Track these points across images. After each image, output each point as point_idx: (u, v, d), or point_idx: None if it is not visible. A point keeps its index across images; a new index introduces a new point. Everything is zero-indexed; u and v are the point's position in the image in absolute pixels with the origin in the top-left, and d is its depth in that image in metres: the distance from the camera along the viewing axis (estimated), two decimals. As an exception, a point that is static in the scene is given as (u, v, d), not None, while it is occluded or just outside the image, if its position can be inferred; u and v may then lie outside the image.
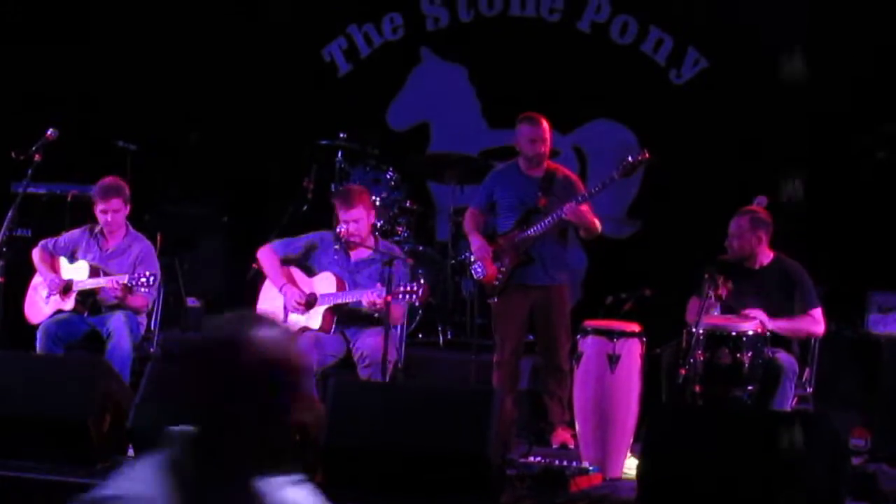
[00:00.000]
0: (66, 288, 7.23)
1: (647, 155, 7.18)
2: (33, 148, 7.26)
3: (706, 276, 6.69)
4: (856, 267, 8.16)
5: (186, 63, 9.89)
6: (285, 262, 7.19)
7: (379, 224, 8.14)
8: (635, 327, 6.69)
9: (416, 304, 6.97)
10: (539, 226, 7.24)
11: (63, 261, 7.38)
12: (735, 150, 8.78)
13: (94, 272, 7.23)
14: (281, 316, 7.09)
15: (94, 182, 7.50)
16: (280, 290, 7.09)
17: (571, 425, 7.00)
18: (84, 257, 7.35)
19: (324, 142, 8.97)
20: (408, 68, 9.76)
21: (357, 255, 7.14)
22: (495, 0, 9.49)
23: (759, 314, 6.67)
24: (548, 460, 6.33)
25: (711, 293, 6.60)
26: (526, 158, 7.38)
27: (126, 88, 9.83)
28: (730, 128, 8.80)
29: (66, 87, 9.79)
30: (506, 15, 9.49)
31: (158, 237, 8.37)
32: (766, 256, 6.94)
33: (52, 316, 7.23)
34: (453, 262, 8.37)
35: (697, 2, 9.00)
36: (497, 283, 7.32)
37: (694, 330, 6.44)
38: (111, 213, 7.32)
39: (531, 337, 7.60)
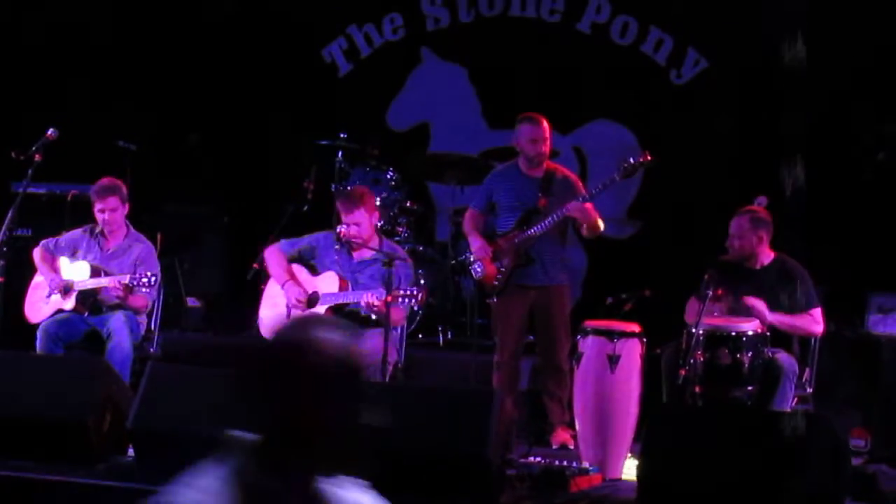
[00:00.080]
0: (67, 288, 7.23)
1: (648, 157, 7.17)
2: (33, 148, 7.26)
3: (706, 276, 6.69)
4: (856, 267, 8.17)
5: (186, 63, 9.90)
6: (291, 261, 7.20)
7: (379, 224, 8.14)
8: (635, 328, 6.69)
9: (415, 308, 6.97)
10: (539, 226, 7.24)
11: (64, 261, 7.38)
12: (735, 151, 8.78)
13: (94, 272, 7.23)
14: (284, 313, 7.11)
15: (94, 182, 7.50)
16: (282, 287, 7.11)
17: (571, 426, 7.00)
18: (84, 257, 7.35)
19: (324, 142, 8.97)
20: (408, 68, 9.76)
21: (360, 255, 7.14)
22: (495, 0, 9.50)
23: (759, 304, 6.67)
24: (548, 461, 6.33)
25: (711, 293, 6.60)
26: (526, 158, 7.38)
27: (126, 88, 9.84)
28: (730, 128, 8.80)
29: (67, 88, 9.81)
30: (506, 15, 9.49)
31: (158, 237, 8.38)
32: (767, 256, 6.94)
33: (52, 316, 7.23)
34: (453, 262, 8.37)
35: (697, 2, 9.00)
36: (497, 283, 7.32)
37: (694, 330, 6.44)
38: (108, 211, 7.32)
39: (531, 337, 7.60)
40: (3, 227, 7.18)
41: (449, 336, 8.67)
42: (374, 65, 9.81)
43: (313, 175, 9.01)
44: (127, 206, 7.41)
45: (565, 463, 6.28)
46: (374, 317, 6.88)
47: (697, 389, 6.46)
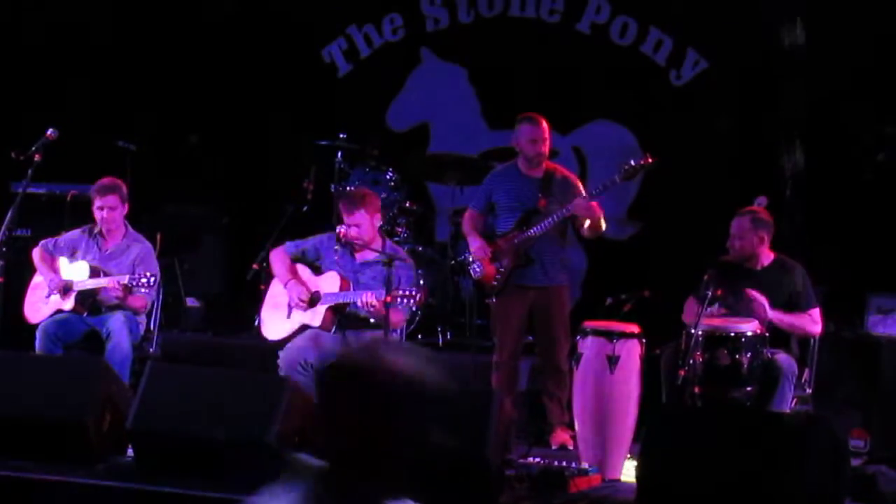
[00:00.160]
0: (66, 288, 7.23)
1: (649, 159, 7.14)
2: (33, 148, 7.26)
3: (706, 276, 6.69)
4: (856, 268, 8.17)
5: (186, 63, 9.90)
6: (294, 261, 7.22)
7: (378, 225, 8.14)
8: (635, 328, 6.69)
9: (413, 308, 6.97)
10: (539, 226, 7.23)
11: (63, 261, 7.38)
12: (735, 151, 8.79)
13: (94, 272, 7.24)
14: (285, 312, 7.12)
15: (94, 182, 7.51)
16: (285, 286, 7.12)
17: (571, 426, 7.00)
18: (83, 258, 7.35)
19: (324, 142, 8.97)
20: (408, 69, 9.76)
21: (362, 256, 7.15)
22: (495, 1, 9.49)
23: (761, 297, 6.67)
24: (547, 461, 6.33)
25: (710, 293, 6.60)
26: (526, 159, 7.38)
27: (126, 88, 9.84)
28: (730, 128, 8.80)
29: (68, 88, 9.81)
30: (505, 16, 9.49)
31: (158, 237, 8.38)
32: (767, 257, 6.94)
33: (51, 316, 7.23)
34: (453, 262, 8.37)
35: (697, 2, 9.00)
36: (495, 283, 7.32)
37: (693, 331, 6.44)
38: (107, 209, 7.32)
39: (530, 338, 7.60)
40: (3, 227, 7.18)
41: (448, 337, 8.67)
42: (373, 65, 9.81)
43: (313, 175, 9.01)
44: (126, 206, 7.41)
45: (564, 463, 6.28)
46: (372, 320, 6.88)
47: (697, 390, 6.46)
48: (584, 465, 6.35)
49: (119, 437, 6.02)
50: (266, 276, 8.13)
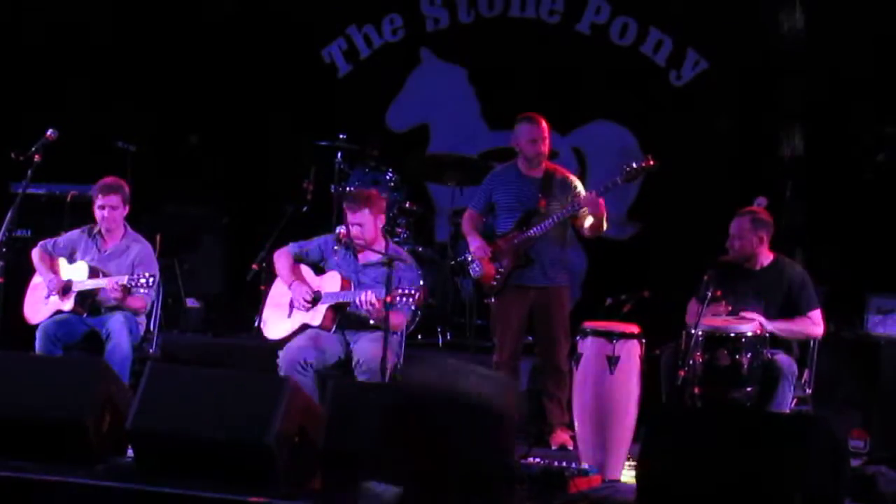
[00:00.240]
0: (66, 288, 7.23)
1: (651, 162, 7.13)
2: (33, 148, 7.26)
3: (706, 277, 6.68)
4: (856, 268, 8.17)
5: (186, 63, 9.90)
6: (298, 261, 7.22)
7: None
8: (634, 329, 6.69)
9: (413, 307, 6.97)
10: (539, 227, 7.23)
11: (62, 261, 7.38)
12: (735, 151, 8.79)
13: (93, 273, 7.23)
14: (286, 311, 7.12)
15: (94, 182, 7.50)
16: (289, 286, 7.13)
17: (570, 427, 7.00)
18: (83, 258, 7.35)
19: (323, 142, 8.97)
20: (408, 69, 9.76)
21: (365, 257, 7.15)
22: (495, 1, 9.49)
23: (756, 317, 6.67)
24: (547, 461, 6.32)
25: (710, 294, 6.59)
26: (525, 159, 7.38)
27: (126, 88, 9.84)
28: (729, 129, 8.80)
29: (68, 88, 9.81)
30: (505, 16, 9.49)
31: (158, 238, 8.38)
32: (767, 258, 6.94)
33: (51, 317, 7.23)
34: (452, 263, 8.37)
35: (697, 3, 9.00)
36: (495, 283, 7.32)
37: (693, 331, 6.44)
38: (108, 208, 7.31)
39: (530, 338, 7.59)
40: (3, 228, 7.17)
41: (448, 337, 8.67)
42: (373, 65, 9.81)
43: (313, 176, 9.01)
44: (128, 207, 7.40)
45: (564, 464, 6.27)
46: (372, 321, 6.88)
47: (696, 390, 6.46)
48: (584, 465, 6.34)
49: (119, 438, 6.02)
50: (266, 277, 8.13)
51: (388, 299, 6.64)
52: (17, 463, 5.82)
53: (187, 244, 9.36)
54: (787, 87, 8.54)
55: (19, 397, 6.05)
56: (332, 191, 8.82)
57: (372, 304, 6.75)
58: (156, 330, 7.45)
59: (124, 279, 7.05)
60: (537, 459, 6.38)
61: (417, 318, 8.24)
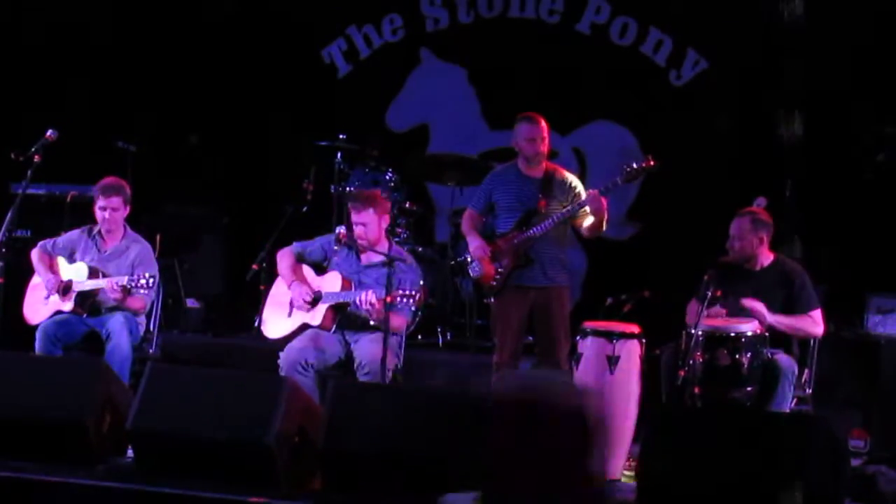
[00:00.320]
0: (66, 289, 7.23)
1: (651, 162, 7.12)
2: (33, 149, 7.25)
3: (706, 277, 6.68)
4: (855, 268, 8.17)
5: (186, 63, 9.90)
6: (299, 261, 7.23)
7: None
8: (634, 329, 6.69)
9: (413, 309, 6.97)
10: (539, 227, 7.22)
11: (62, 261, 7.38)
12: (735, 151, 8.79)
13: (93, 273, 7.23)
14: (287, 311, 7.12)
15: (95, 183, 7.50)
16: (289, 286, 7.13)
17: (571, 426, 6.98)
18: (82, 258, 7.35)
19: (323, 143, 8.97)
20: (407, 69, 9.77)
21: (367, 257, 7.16)
22: (495, 1, 9.50)
23: (758, 305, 6.67)
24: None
25: (710, 294, 6.59)
26: (525, 158, 7.37)
27: (126, 88, 9.84)
28: (729, 129, 8.80)
29: (68, 88, 9.81)
30: (505, 16, 9.50)
31: (158, 238, 8.38)
32: (767, 258, 6.94)
33: (51, 317, 7.23)
34: (452, 263, 8.37)
35: (697, 2, 9.01)
36: (494, 283, 7.32)
37: (693, 331, 6.44)
38: (110, 210, 7.31)
39: (530, 338, 7.59)
40: (3, 228, 7.17)
41: (448, 337, 8.67)
42: (373, 66, 9.81)
43: (313, 176, 9.01)
44: (129, 208, 7.40)
45: (564, 464, 6.26)
46: (372, 322, 6.88)
47: (697, 390, 6.46)
48: (584, 465, 6.33)
49: (119, 438, 6.01)
50: (266, 277, 8.14)
51: (388, 300, 6.64)
52: (17, 463, 5.82)
53: (187, 244, 9.36)
54: (788, 74, 8.53)
55: (19, 398, 6.05)
56: (332, 191, 8.82)
57: (372, 305, 6.75)
58: (156, 330, 7.45)
59: (124, 280, 7.05)
60: (537, 459, 6.37)
61: (417, 319, 8.25)
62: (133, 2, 10.02)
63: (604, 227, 7.28)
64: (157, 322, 7.48)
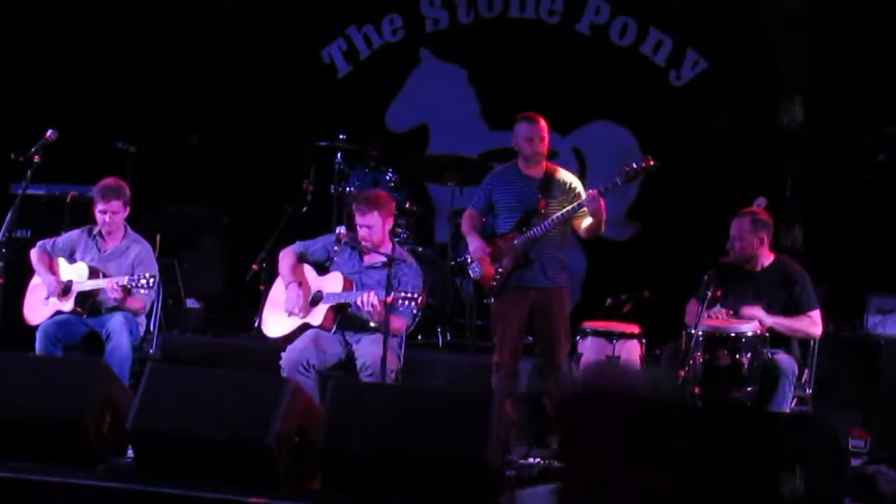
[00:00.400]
0: (66, 289, 7.23)
1: (651, 162, 7.11)
2: (33, 149, 7.25)
3: (706, 277, 6.69)
4: (855, 268, 8.17)
5: (186, 63, 9.90)
6: (301, 261, 7.23)
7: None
8: (634, 329, 6.70)
9: (414, 311, 6.97)
10: (539, 227, 7.22)
11: (62, 262, 7.38)
12: (735, 151, 8.79)
13: (93, 273, 7.23)
14: (286, 312, 7.13)
15: (94, 183, 7.50)
16: (286, 287, 7.13)
17: (571, 427, 6.99)
18: (82, 258, 7.35)
19: (323, 143, 8.97)
20: (407, 70, 9.77)
21: (370, 258, 7.16)
22: (495, 1, 9.50)
23: (757, 311, 6.67)
24: (547, 462, 6.32)
25: (710, 294, 6.60)
26: (524, 158, 7.37)
27: (126, 88, 9.85)
28: (729, 128, 8.81)
29: (68, 88, 9.81)
30: (505, 16, 9.50)
31: (158, 238, 8.38)
32: (767, 258, 6.94)
33: (51, 317, 7.23)
34: (452, 263, 8.37)
35: (697, 3, 9.01)
36: (494, 283, 7.31)
37: (693, 331, 6.44)
38: (110, 213, 7.32)
39: (530, 338, 7.59)
40: (3, 228, 7.17)
41: (448, 337, 8.67)
42: (373, 66, 9.82)
43: (313, 176, 9.01)
44: (129, 209, 7.40)
45: (565, 464, 6.27)
46: (373, 323, 6.88)
47: (697, 390, 6.46)
48: (584, 465, 6.33)
49: (119, 438, 6.01)
50: (266, 277, 8.14)
51: (389, 300, 6.64)
52: (17, 463, 5.82)
53: (187, 244, 9.36)
54: (788, 74, 8.52)
55: (19, 398, 6.05)
56: (332, 191, 8.82)
57: (373, 306, 6.75)
58: (156, 330, 7.45)
59: (124, 280, 7.05)
60: (537, 459, 6.38)
61: (417, 319, 8.25)
62: (133, 2, 10.03)
63: (602, 229, 7.27)
64: (157, 322, 7.48)
